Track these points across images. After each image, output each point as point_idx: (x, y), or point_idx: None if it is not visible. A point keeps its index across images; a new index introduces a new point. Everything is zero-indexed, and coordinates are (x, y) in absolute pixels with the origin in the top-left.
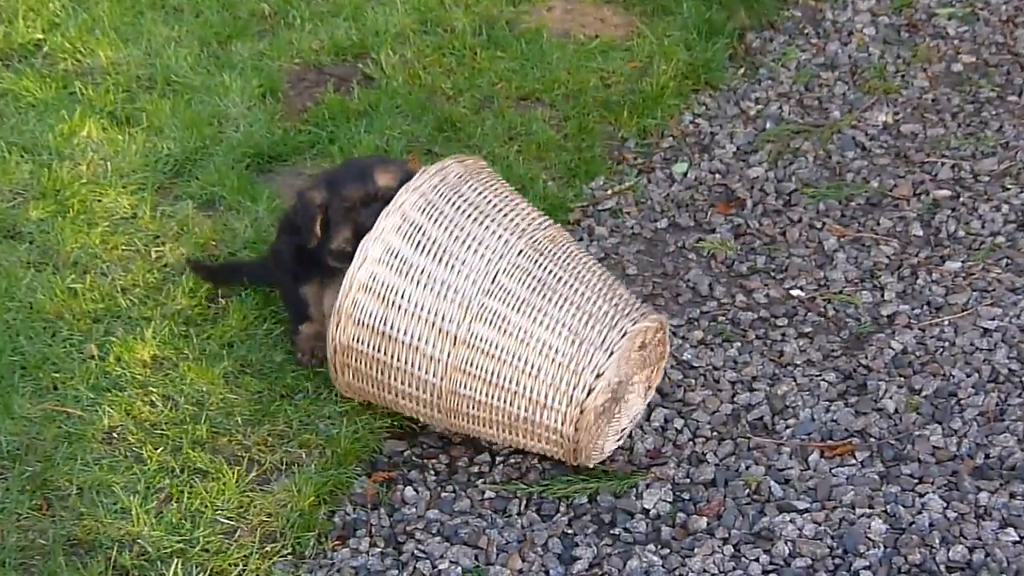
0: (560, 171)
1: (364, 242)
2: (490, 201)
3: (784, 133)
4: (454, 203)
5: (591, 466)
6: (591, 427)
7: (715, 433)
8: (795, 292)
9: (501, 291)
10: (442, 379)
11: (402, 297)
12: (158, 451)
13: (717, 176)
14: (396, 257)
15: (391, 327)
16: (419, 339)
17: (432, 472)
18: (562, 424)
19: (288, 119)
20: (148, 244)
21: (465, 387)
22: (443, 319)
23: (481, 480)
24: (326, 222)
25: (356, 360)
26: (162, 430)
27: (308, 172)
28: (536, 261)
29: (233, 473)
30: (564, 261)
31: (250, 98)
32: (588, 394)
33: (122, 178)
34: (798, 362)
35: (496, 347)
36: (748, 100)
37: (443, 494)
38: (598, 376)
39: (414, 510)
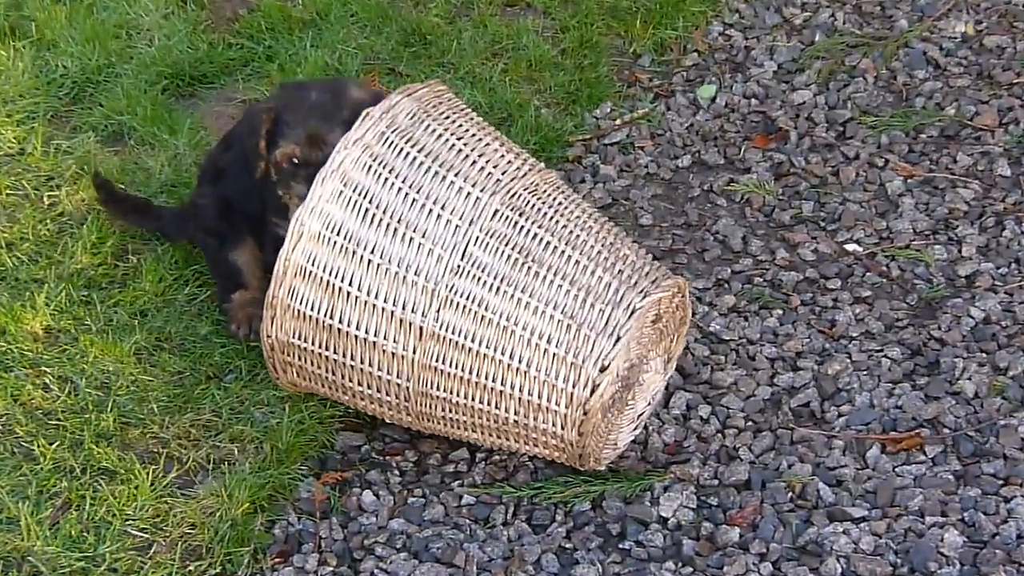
0: (557, 95)
1: (297, 215)
2: (454, 146)
3: (837, 47)
4: (407, 155)
5: (601, 468)
6: (598, 428)
7: (750, 423)
8: (850, 247)
9: (474, 267)
10: (409, 379)
11: (350, 283)
12: (53, 446)
13: (753, 102)
14: (339, 232)
15: (340, 319)
16: (376, 333)
17: (396, 472)
18: (562, 428)
19: (214, 30)
20: (39, 187)
21: (438, 388)
22: (404, 307)
23: (458, 482)
24: (273, 138)
25: (300, 358)
26: (58, 420)
27: (241, 98)
28: (516, 224)
29: (147, 474)
30: (552, 219)
31: (167, 3)
32: (592, 391)
33: (6, 104)
34: (854, 334)
35: (473, 338)
36: (792, 6)
37: (410, 499)
38: (603, 369)
39: (374, 519)
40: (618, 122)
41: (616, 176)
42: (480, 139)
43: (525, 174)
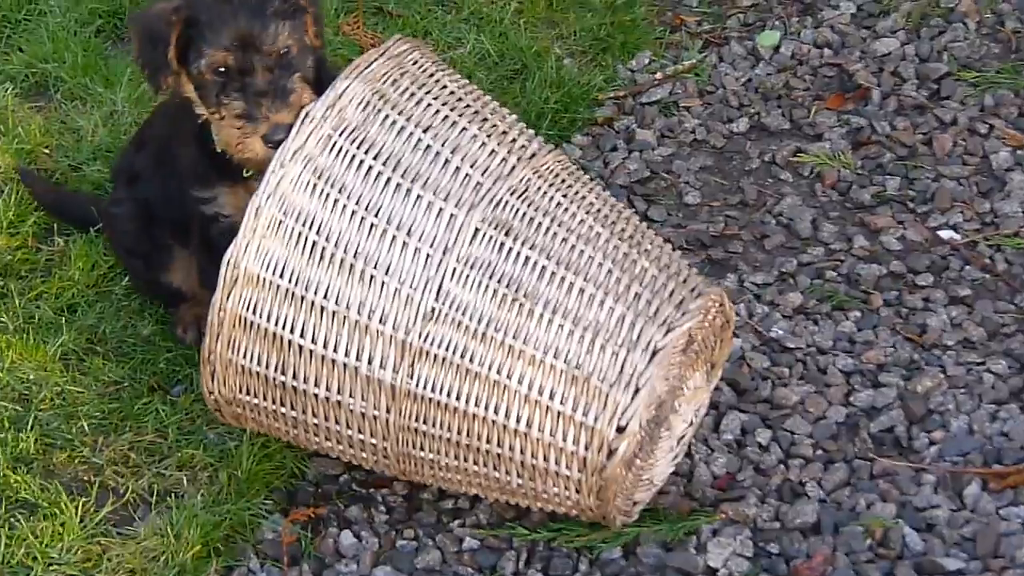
0: (583, 42)
1: (229, 255)
2: (419, 143)
3: None
4: (361, 165)
5: (633, 518)
6: (623, 486)
7: (820, 452)
8: (946, 234)
9: (452, 309)
10: (386, 440)
11: (301, 334)
12: None
13: (826, 52)
14: (282, 273)
15: (293, 376)
16: (339, 392)
17: (383, 508)
18: (576, 492)
19: None
20: None
21: (423, 448)
22: (369, 362)
23: (458, 521)
24: (188, 44)
25: (252, 412)
26: None
27: None
28: (502, 246)
29: (76, 507)
30: (549, 233)
31: None
32: (610, 455)
33: None
34: (949, 342)
35: (458, 396)
36: None
37: (399, 542)
38: (621, 429)
39: (354, 567)
40: (659, 76)
41: (656, 143)
42: (455, 124)
43: (512, 168)
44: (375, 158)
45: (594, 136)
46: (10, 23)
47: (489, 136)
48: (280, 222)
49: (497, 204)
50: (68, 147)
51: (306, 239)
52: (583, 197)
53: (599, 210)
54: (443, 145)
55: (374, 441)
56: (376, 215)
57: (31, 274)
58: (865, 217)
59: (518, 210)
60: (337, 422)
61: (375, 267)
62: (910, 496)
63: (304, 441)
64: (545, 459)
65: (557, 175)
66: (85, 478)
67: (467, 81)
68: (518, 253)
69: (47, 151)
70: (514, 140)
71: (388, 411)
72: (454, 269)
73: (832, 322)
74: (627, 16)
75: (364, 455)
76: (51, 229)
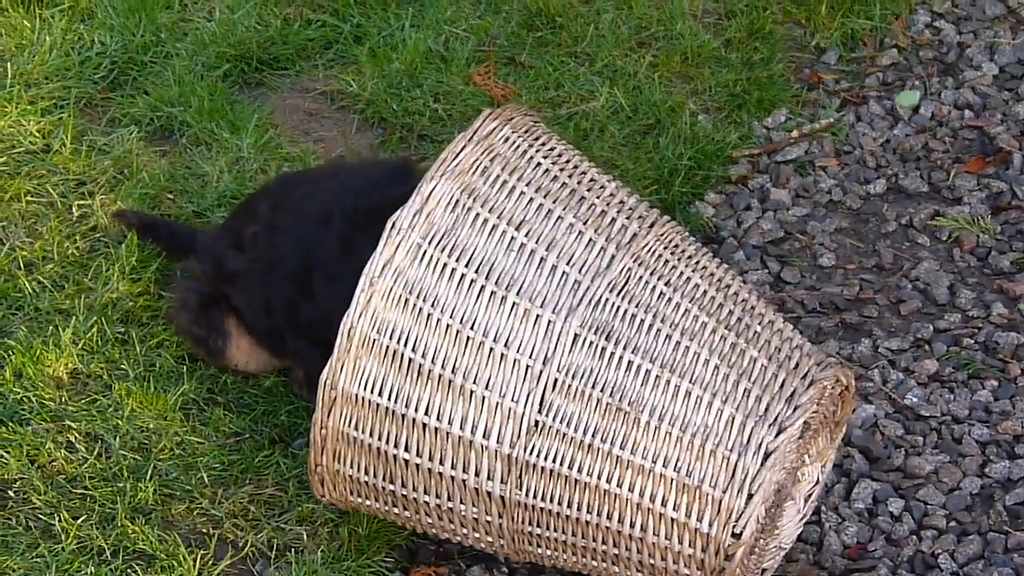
0: (718, 98)
1: (324, 376)
2: (513, 242)
3: None
4: (452, 273)
5: None
6: (746, 571)
7: (953, 523)
8: None
9: (556, 420)
10: (501, 538)
11: (406, 449)
12: (78, 521)
13: (967, 114)
14: (381, 392)
15: (402, 485)
16: (450, 499)
17: (505, 569)
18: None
19: (290, 3)
20: (67, 194)
21: (539, 547)
22: (476, 475)
23: None
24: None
25: (363, 506)
26: (85, 488)
27: (321, 88)
28: (603, 352)
29: (194, 560)
30: (651, 331)
31: None
32: (727, 558)
33: (29, 89)
34: None
35: (568, 504)
36: None
37: None
38: (737, 535)
39: None
40: (795, 134)
41: (791, 203)
42: (549, 213)
43: (611, 260)
44: (467, 265)
45: (727, 195)
46: (136, 65)
47: (586, 223)
48: (374, 340)
49: (596, 304)
50: (192, 192)
51: (402, 356)
52: (687, 280)
53: (705, 293)
54: (537, 242)
55: (490, 539)
56: (472, 327)
57: (152, 321)
58: (1004, 284)
59: (618, 308)
60: (451, 523)
61: (474, 382)
62: None
63: (421, 531)
64: (663, 559)
65: (659, 257)
66: (204, 530)
67: (563, 150)
68: (620, 358)
69: (171, 196)
70: (612, 221)
71: (500, 517)
72: (555, 380)
73: (968, 391)
74: (764, 72)
75: (482, 546)
76: (174, 276)
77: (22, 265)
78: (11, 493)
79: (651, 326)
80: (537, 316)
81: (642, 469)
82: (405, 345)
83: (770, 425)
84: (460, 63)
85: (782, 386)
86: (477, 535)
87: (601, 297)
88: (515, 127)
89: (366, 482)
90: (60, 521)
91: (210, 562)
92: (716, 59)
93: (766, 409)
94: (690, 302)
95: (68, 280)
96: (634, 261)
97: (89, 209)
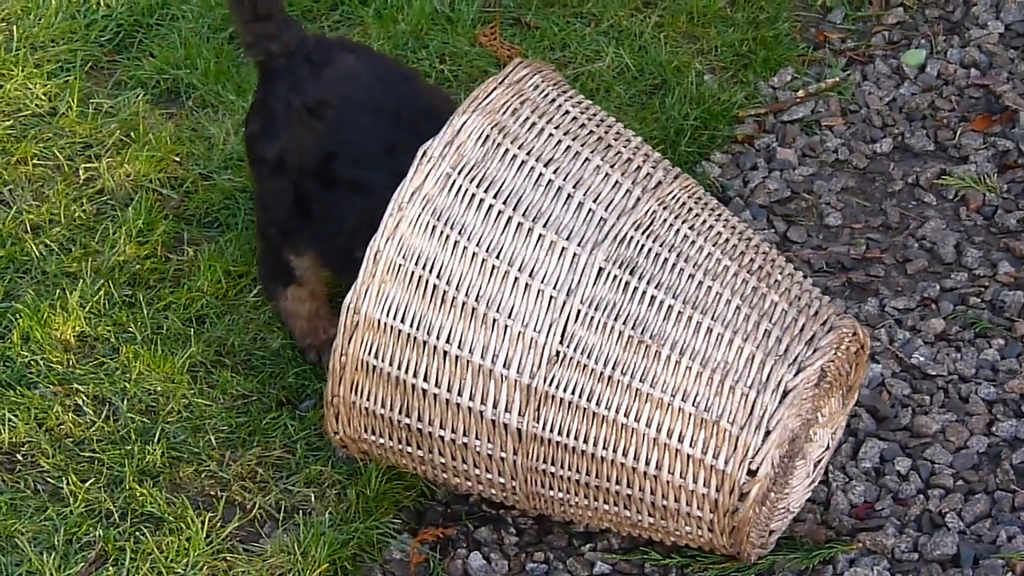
0: (724, 58)
1: (348, 302)
2: (541, 177)
3: None
4: (480, 203)
5: (769, 549)
6: (756, 522)
7: (960, 482)
8: None
9: (577, 352)
10: (514, 479)
11: (425, 379)
12: (86, 484)
13: (973, 72)
14: (403, 318)
15: (418, 419)
16: (465, 434)
17: (513, 530)
18: (708, 531)
19: None
20: (74, 157)
21: (551, 488)
22: (494, 407)
23: (589, 545)
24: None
25: (379, 450)
26: (93, 451)
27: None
28: (627, 285)
29: (202, 523)
30: (674, 270)
31: None
32: (741, 497)
33: (35, 52)
34: None
35: (586, 439)
36: None
37: (529, 565)
38: (753, 472)
39: None
40: (801, 93)
41: (797, 163)
42: (577, 155)
43: (637, 201)
44: (495, 196)
45: (734, 154)
46: (142, 28)
47: (612, 167)
48: (400, 266)
49: (621, 241)
50: (199, 155)
51: (426, 282)
52: (710, 227)
53: (727, 240)
54: (565, 179)
55: (502, 480)
56: (498, 256)
57: (160, 284)
58: (1010, 242)
59: (643, 246)
60: (464, 462)
61: (497, 310)
62: None
63: (432, 477)
64: (676, 500)
65: (684, 204)
66: (212, 493)
67: (590, 104)
68: (643, 292)
69: (177, 159)
70: (639, 168)
71: (515, 453)
72: (578, 311)
73: (975, 349)
74: (769, 32)
75: (493, 492)
76: (180, 238)
77: (29, 228)
78: (19, 456)
79: (674, 265)
80: (563, 248)
81: (661, 403)
82: (430, 272)
83: (789, 365)
84: (466, 24)
85: (802, 330)
86: (490, 476)
87: (626, 234)
88: (545, 77)
89: (381, 415)
90: (68, 484)
91: (218, 524)
92: (722, 18)
93: (786, 350)
94: (713, 246)
95: (75, 243)
96: (659, 205)
97: (96, 172)
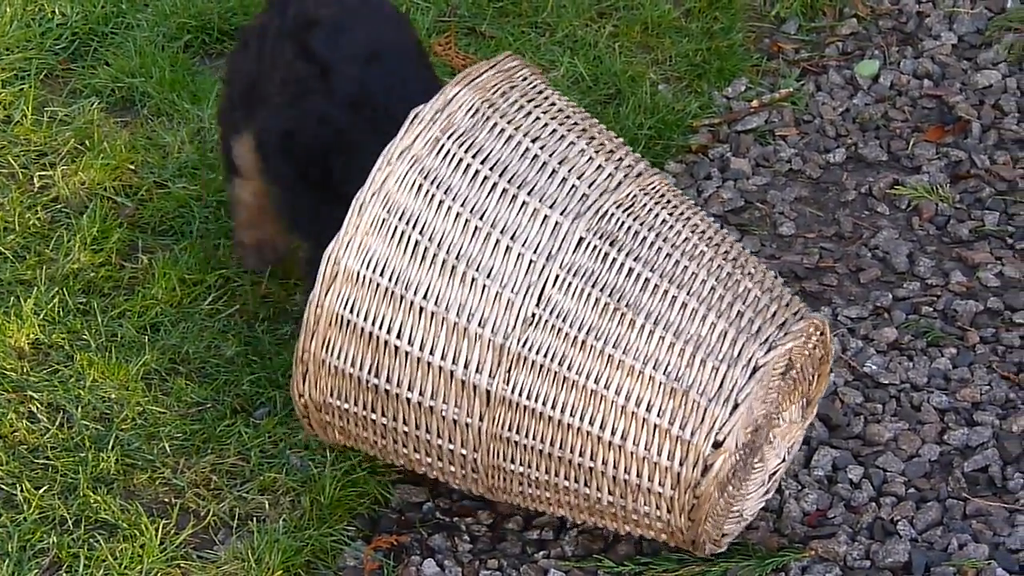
0: (678, 68)
1: (329, 251)
2: (527, 152)
3: None
4: (468, 168)
5: (721, 549)
6: (715, 509)
7: (912, 490)
8: None
9: (553, 316)
10: (476, 451)
11: (399, 335)
12: (40, 491)
13: (926, 83)
14: (382, 272)
15: (387, 379)
16: (433, 396)
17: (467, 537)
18: (668, 512)
19: None
20: (28, 165)
21: (513, 461)
22: (466, 366)
23: (543, 552)
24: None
25: (341, 419)
26: (47, 459)
27: None
28: (606, 256)
29: (156, 530)
30: (653, 247)
31: None
32: (704, 471)
33: None
34: None
35: (553, 404)
36: None
37: (483, 572)
38: (717, 444)
39: None
40: (755, 104)
41: (751, 172)
42: (563, 137)
43: (619, 184)
44: (482, 163)
45: (688, 164)
46: (97, 36)
47: (597, 152)
48: (383, 220)
49: (603, 216)
50: (154, 163)
51: (408, 238)
52: (688, 218)
53: (704, 231)
54: (551, 156)
55: (464, 452)
56: (481, 218)
57: (114, 292)
58: (963, 252)
59: (623, 223)
60: (428, 431)
61: (477, 270)
62: (1003, 537)
63: (392, 453)
64: (638, 475)
65: (663, 195)
66: (166, 500)
67: (575, 103)
68: (622, 264)
69: (132, 167)
70: (621, 159)
71: (481, 419)
72: (556, 276)
73: (927, 358)
74: (724, 42)
75: (452, 468)
76: (135, 246)
77: None
78: None
79: (652, 243)
80: (545, 216)
81: (632, 371)
82: (413, 228)
83: (761, 344)
84: (421, 33)
85: (774, 315)
86: (452, 447)
87: (608, 210)
88: (532, 72)
89: (351, 375)
90: (22, 491)
91: (172, 531)
92: (676, 29)
93: (758, 330)
94: (691, 232)
95: (29, 251)
96: (639, 190)
97: (50, 180)
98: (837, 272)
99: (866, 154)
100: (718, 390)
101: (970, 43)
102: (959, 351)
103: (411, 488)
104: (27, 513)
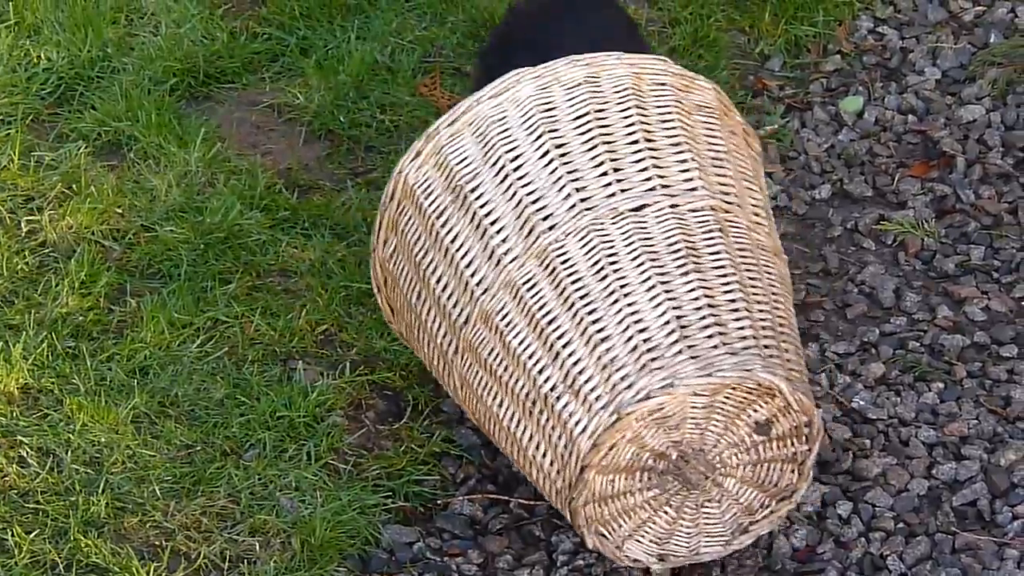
0: None
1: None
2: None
3: (1019, 51)
4: (501, 165)
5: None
6: (606, 526)
7: (901, 525)
8: None
9: (556, 268)
10: (457, 352)
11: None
12: (31, 536)
13: (910, 119)
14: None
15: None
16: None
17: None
18: (556, 495)
19: (236, 16)
20: (16, 210)
21: (476, 380)
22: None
23: None
24: None
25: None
26: (37, 503)
27: (268, 101)
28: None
29: (148, 573)
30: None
31: None
32: (581, 472)
33: None
34: None
35: (519, 342)
36: None
37: None
38: (595, 446)
39: None
40: None
41: None
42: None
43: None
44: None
45: None
46: (83, 81)
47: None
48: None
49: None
50: (141, 207)
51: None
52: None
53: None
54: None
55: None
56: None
57: (103, 336)
58: (949, 287)
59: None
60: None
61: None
62: (992, 571)
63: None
64: (537, 447)
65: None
66: (156, 543)
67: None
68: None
69: (120, 211)
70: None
71: (466, 320)
72: (531, 273)
73: (915, 393)
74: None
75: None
76: (123, 290)
77: None
78: None
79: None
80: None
81: (562, 352)
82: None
83: (660, 377)
84: (406, 74)
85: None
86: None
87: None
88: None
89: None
90: (13, 536)
91: (163, 574)
92: None
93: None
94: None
95: (18, 296)
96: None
97: (38, 224)
98: (824, 308)
99: (852, 190)
100: (607, 397)
101: (954, 78)
102: (946, 385)
103: (401, 528)
104: (18, 558)
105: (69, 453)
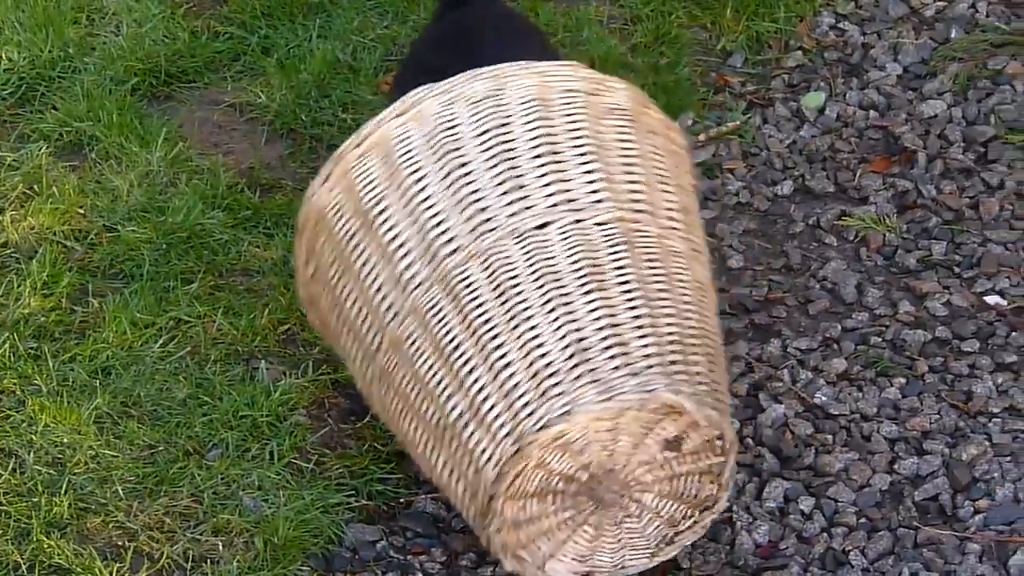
0: None
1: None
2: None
3: (978, 46)
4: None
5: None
6: (525, 549)
7: (863, 520)
8: (992, 299)
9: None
10: (374, 377)
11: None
12: None
13: (872, 114)
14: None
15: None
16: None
17: (420, 575)
18: (471, 520)
19: (198, 15)
20: None
21: (392, 405)
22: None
23: None
24: None
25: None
26: (0, 504)
27: (230, 100)
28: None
29: (111, 573)
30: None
31: None
32: (489, 501)
33: None
34: (995, 409)
35: (426, 368)
36: None
37: None
38: (500, 475)
39: None
40: (702, 137)
41: (699, 206)
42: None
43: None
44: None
45: None
46: (44, 81)
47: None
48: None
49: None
50: (103, 207)
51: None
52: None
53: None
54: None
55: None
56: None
57: (65, 336)
58: (910, 282)
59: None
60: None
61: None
62: (954, 565)
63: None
64: (448, 466)
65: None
66: (119, 543)
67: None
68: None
69: (81, 211)
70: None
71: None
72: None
73: (877, 388)
74: (670, 77)
75: (361, 367)
76: (85, 290)
77: None
78: None
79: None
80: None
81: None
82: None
83: (560, 404)
84: (368, 73)
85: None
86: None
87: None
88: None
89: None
90: None
91: (126, 574)
92: (623, 64)
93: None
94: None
95: None
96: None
97: None
98: (786, 304)
99: (813, 186)
100: (511, 424)
101: (915, 73)
102: (908, 381)
103: (365, 527)
104: None
105: (31, 454)
